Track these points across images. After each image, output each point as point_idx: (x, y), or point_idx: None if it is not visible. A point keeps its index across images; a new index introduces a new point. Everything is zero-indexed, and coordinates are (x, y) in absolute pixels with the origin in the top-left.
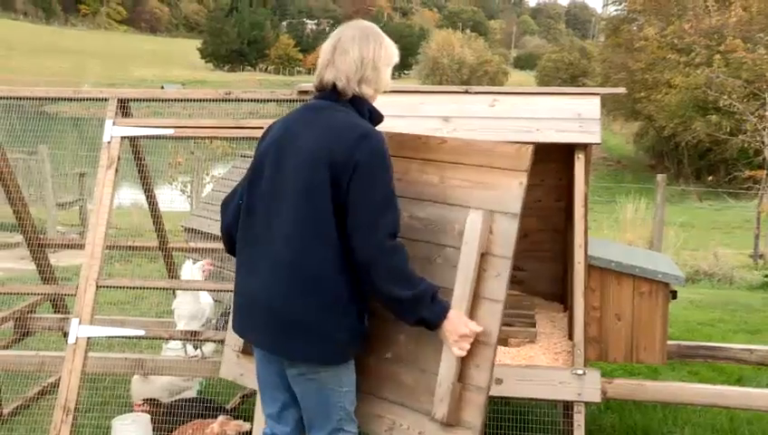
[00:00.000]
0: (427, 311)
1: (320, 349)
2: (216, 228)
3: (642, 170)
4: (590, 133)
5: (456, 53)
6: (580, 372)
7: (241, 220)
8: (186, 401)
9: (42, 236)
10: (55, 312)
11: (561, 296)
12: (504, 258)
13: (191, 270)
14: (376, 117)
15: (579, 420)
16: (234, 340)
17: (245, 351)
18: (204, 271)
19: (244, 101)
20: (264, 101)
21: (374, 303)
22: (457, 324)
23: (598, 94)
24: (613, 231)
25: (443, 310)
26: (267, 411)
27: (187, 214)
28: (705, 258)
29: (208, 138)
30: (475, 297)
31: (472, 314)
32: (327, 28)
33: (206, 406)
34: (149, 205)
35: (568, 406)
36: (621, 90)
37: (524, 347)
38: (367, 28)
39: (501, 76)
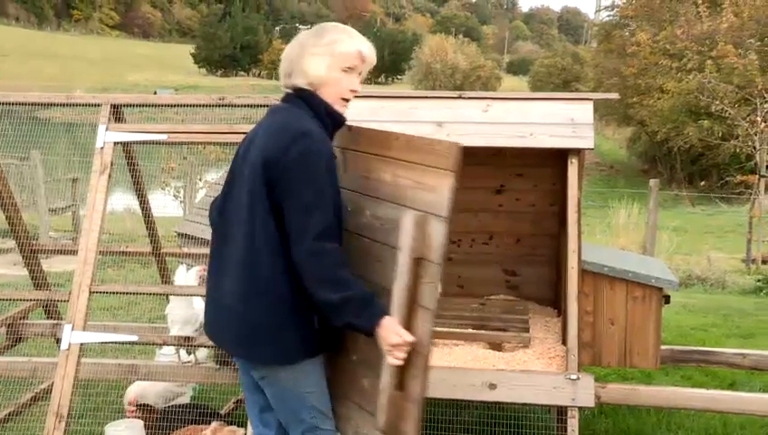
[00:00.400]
0: (355, 316)
1: (273, 350)
2: (209, 234)
3: (635, 175)
4: (583, 138)
5: (448, 58)
6: (574, 376)
7: (214, 223)
8: (179, 407)
9: (34, 242)
10: (48, 318)
11: (555, 301)
12: (435, 264)
13: (184, 275)
14: (335, 118)
15: (572, 424)
16: None
17: None
18: (199, 276)
19: (238, 106)
20: (258, 106)
21: None
22: (388, 333)
23: (591, 99)
24: (606, 236)
25: (374, 316)
26: (250, 415)
27: (181, 219)
28: (698, 263)
29: (201, 143)
30: (412, 304)
31: (408, 322)
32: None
33: (199, 411)
34: (142, 210)
35: (562, 411)
36: (614, 95)
37: (518, 352)
38: (319, 25)
39: (494, 81)
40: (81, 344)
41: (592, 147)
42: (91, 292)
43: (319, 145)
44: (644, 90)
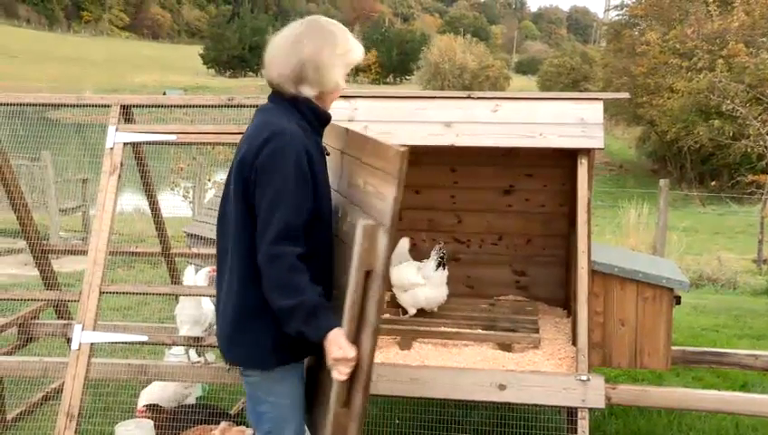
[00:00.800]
0: (304, 325)
1: (246, 353)
2: None
3: (644, 175)
4: (593, 138)
5: (457, 58)
6: (584, 377)
7: (217, 226)
8: (188, 407)
9: (45, 242)
10: (58, 318)
11: (565, 302)
12: (380, 276)
13: (193, 276)
14: (320, 116)
15: (583, 426)
16: None
17: None
18: (209, 277)
19: (246, 106)
20: None
21: None
22: (331, 346)
23: (600, 99)
24: (616, 236)
25: (322, 328)
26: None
27: (190, 219)
28: (709, 263)
29: (210, 143)
30: (361, 318)
31: (356, 336)
32: None
33: (208, 411)
34: (152, 211)
35: (572, 412)
36: (624, 95)
37: (528, 353)
38: (314, 23)
39: (502, 81)
40: (92, 344)
41: (602, 147)
42: (101, 292)
43: (290, 143)
44: (654, 89)
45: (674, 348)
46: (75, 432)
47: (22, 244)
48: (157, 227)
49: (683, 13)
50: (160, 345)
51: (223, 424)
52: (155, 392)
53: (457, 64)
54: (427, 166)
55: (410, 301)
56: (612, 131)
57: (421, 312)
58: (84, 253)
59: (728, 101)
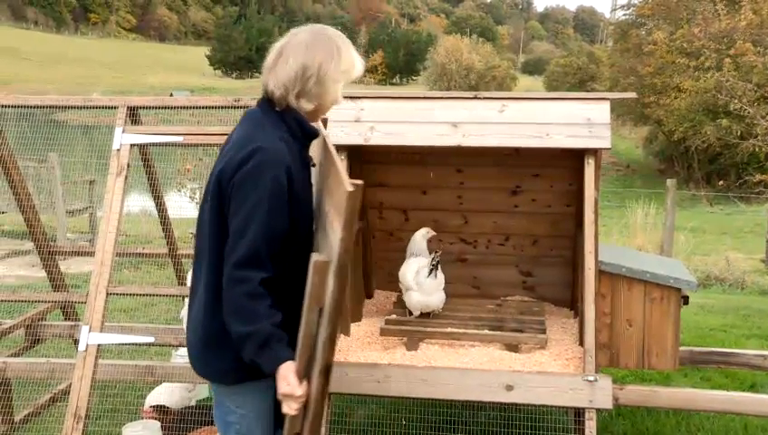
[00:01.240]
0: (255, 355)
1: (217, 367)
2: None
3: (652, 175)
4: (600, 138)
5: (463, 58)
6: (592, 378)
7: (195, 235)
8: (195, 408)
9: (52, 244)
10: (65, 319)
11: (572, 302)
12: (328, 315)
13: None
14: (305, 130)
15: (590, 426)
16: None
17: None
18: None
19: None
20: None
21: None
22: (280, 381)
23: (607, 99)
24: (623, 236)
25: (273, 360)
26: None
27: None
28: (717, 263)
29: (217, 144)
30: (312, 353)
31: (307, 371)
32: None
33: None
34: (159, 212)
35: (579, 413)
36: (631, 94)
37: (535, 353)
38: (321, 35)
39: (509, 81)
40: (99, 345)
41: (609, 147)
42: (108, 293)
43: (270, 162)
44: (661, 89)
45: (682, 348)
46: (82, 433)
47: (29, 245)
48: (163, 229)
49: (690, 12)
50: (167, 346)
51: None
52: (162, 396)
53: (464, 65)
54: (434, 166)
55: (408, 302)
56: (619, 131)
57: (428, 312)
58: (91, 254)
59: (736, 101)
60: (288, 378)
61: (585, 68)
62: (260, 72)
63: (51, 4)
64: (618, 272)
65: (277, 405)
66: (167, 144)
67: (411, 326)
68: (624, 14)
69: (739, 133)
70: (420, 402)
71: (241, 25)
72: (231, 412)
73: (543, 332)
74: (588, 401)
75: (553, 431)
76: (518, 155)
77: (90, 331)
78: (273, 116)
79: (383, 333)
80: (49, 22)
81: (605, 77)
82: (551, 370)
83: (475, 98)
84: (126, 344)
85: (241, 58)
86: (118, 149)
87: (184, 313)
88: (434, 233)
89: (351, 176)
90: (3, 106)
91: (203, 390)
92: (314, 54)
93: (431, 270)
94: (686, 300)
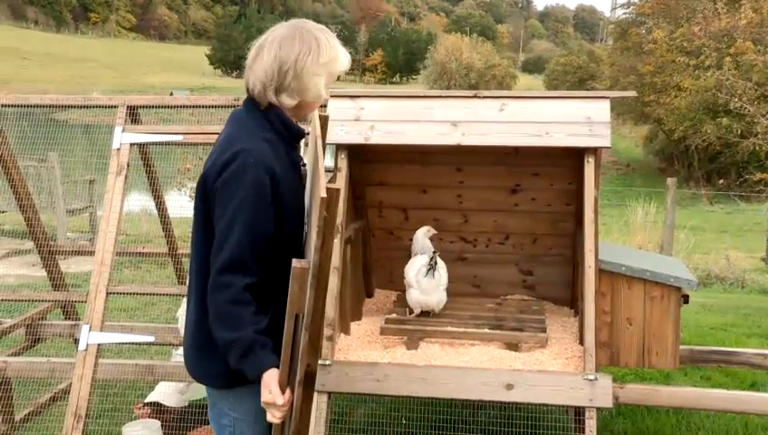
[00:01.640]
0: (239, 362)
1: (210, 371)
2: None
3: (652, 174)
4: (599, 137)
5: (463, 57)
6: (592, 377)
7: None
8: (195, 407)
9: (52, 243)
10: (66, 318)
11: (572, 301)
12: (305, 322)
13: None
14: (291, 129)
15: (590, 425)
16: None
17: None
18: None
19: None
20: None
21: None
22: (263, 389)
23: (607, 98)
24: (623, 235)
25: (256, 367)
26: None
27: None
28: (717, 262)
29: None
30: (293, 362)
31: (289, 379)
32: (335, 34)
33: None
34: (159, 211)
35: (579, 411)
36: (631, 93)
37: (535, 352)
38: (299, 28)
39: (509, 80)
40: (99, 345)
41: (609, 145)
42: (108, 293)
43: (253, 165)
44: (661, 88)
45: (682, 347)
46: (82, 433)
47: (29, 245)
48: (163, 228)
49: (690, 11)
50: (167, 346)
51: None
52: (159, 396)
53: (464, 64)
54: (434, 165)
55: (408, 299)
56: (619, 130)
57: (427, 311)
58: (91, 253)
59: (736, 99)
60: (270, 386)
61: (585, 67)
62: None
63: (51, 3)
64: (618, 271)
65: None
66: (167, 143)
67: (411, 325)
68: (624, 13)
69: (739, 132)
70: (420, 401)
71: (241, 25)
72: (224, 415)
73: (543, 330)
74: (588, 400)
75: (554, 430)
76: (518, 154)
77: (90, 330)
78: (257, 115)
79: (383, 332)
80: (49, 21)
81: (605, 76)
82: (551, 369)
83: (475, 97)
84: (126, 344)
85: (241, 57)
86: (118, 149)
87: (180, 312)
88: (435, 231)
89: (352, 175)
90: (3, 105)
91: (200, 389)
92: (290, 48)
93: (429, 270)
94: (686, 299)
